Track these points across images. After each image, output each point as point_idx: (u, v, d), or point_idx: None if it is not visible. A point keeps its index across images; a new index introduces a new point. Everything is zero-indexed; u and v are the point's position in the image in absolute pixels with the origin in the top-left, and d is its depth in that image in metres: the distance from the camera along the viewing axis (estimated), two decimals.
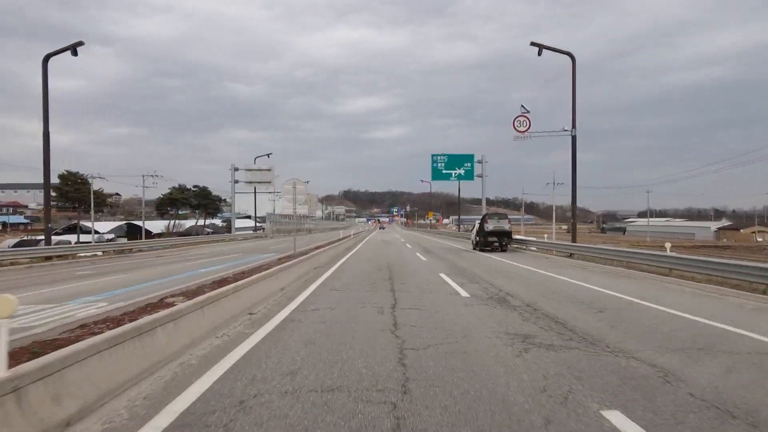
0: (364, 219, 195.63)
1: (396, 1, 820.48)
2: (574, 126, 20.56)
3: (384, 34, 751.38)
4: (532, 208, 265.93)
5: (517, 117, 21.86)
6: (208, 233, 66.29)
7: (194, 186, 73.56)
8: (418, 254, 22.08)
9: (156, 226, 72.50)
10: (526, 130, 21.83)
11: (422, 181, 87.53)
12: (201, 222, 77.89)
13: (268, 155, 46.60)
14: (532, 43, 20.82)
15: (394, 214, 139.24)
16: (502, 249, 23.37)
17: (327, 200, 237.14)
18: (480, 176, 37.58)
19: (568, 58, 20.17)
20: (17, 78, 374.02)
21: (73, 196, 63.48)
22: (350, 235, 34.61)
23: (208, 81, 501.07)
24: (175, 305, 5.65)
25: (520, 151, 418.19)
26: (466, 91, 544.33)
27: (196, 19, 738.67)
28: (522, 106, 21.73)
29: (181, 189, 73.77)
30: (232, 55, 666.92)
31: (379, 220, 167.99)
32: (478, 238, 23.90)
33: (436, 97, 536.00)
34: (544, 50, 20.47)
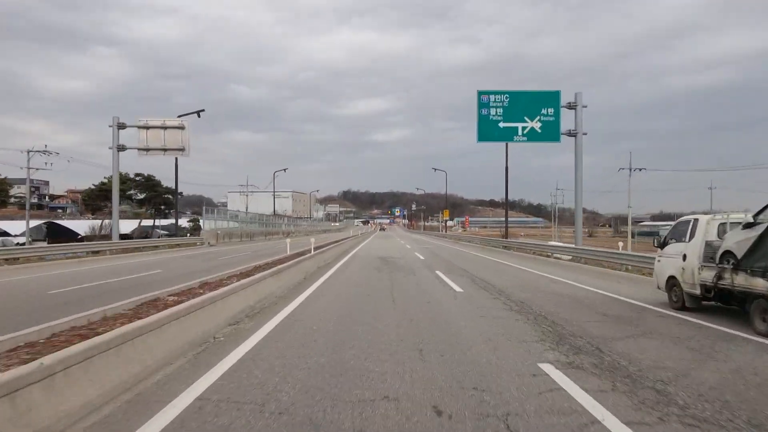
0: (363, 220, 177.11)
1: (399, 5, 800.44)
2: None
3: (387, 37, 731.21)
4: (539, 210, 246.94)
5: None
6: (159, 236, 48.92)
7: (137, 174, 55.81)
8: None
9: (81, 226, 54.83)
10: None
11: (434, 169, 69.81)
12: (155, 221, 60.04)
13: (197, 113, 28.54)
14: None
15: (396, 214, 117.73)
16: None
17: (326, 201, 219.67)
18: (572, 134, 19.77)
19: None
20: (20, 79, 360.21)
21: None
22: (309, 252, 16.47)
23: (211, 83, 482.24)
24: None
25: (525, 153, 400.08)
26: (468, 94, 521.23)
27: (201, 22, 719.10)
28: None
29: (121, 178, 56.07)
30: (236, 58, 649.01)
31: (373, 221, 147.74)
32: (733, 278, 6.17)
33: (438, 100, 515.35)
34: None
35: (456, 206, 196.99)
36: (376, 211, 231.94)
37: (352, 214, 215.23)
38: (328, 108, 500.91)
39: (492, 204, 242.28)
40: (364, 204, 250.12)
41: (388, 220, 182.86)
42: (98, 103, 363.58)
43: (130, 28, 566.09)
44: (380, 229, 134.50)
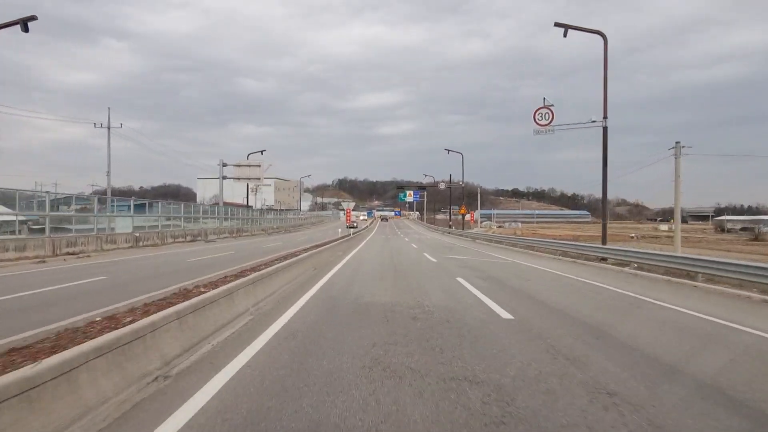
0: (364, 213, 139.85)
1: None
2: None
3: (399, 31, 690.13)
4: (575, 202, 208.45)
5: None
6: None
7: None
8: None
9: None
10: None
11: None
12: None
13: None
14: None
15: (406, 199, 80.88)
16: None
17: (319, 190, 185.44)
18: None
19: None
20: (29, 71, 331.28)
21: None
22: None
23: (219, 77, 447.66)
24: None
25: (532, 147, 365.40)
26: (476, 88, 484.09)
27: (213, 15, 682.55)
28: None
29: None
30: (246, 51, 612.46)
31: (367, 213, 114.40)
32: None
33: (446, 94, 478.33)
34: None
35: (473, 196, 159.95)
36: (376, 202, 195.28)
37: (343, 208, 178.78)
38: (337, 102, 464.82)
39: (516, 194, 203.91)
40: (363, 194, 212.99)
41: (393, 212, 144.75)
42: (106, 95, 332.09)
43: (142, 21, 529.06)
44: (381, 220, 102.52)
